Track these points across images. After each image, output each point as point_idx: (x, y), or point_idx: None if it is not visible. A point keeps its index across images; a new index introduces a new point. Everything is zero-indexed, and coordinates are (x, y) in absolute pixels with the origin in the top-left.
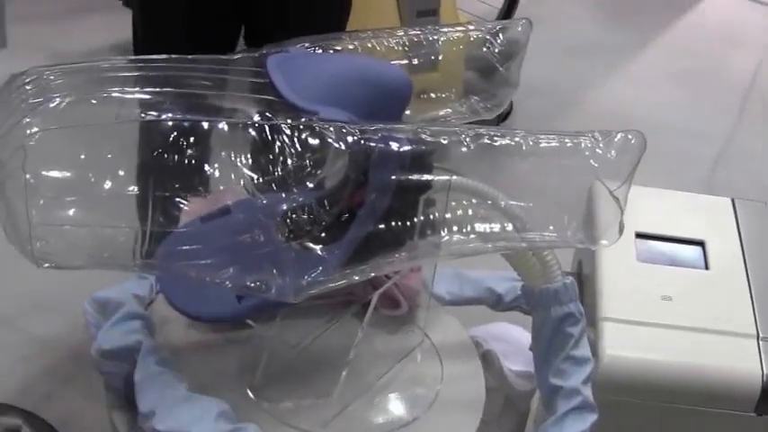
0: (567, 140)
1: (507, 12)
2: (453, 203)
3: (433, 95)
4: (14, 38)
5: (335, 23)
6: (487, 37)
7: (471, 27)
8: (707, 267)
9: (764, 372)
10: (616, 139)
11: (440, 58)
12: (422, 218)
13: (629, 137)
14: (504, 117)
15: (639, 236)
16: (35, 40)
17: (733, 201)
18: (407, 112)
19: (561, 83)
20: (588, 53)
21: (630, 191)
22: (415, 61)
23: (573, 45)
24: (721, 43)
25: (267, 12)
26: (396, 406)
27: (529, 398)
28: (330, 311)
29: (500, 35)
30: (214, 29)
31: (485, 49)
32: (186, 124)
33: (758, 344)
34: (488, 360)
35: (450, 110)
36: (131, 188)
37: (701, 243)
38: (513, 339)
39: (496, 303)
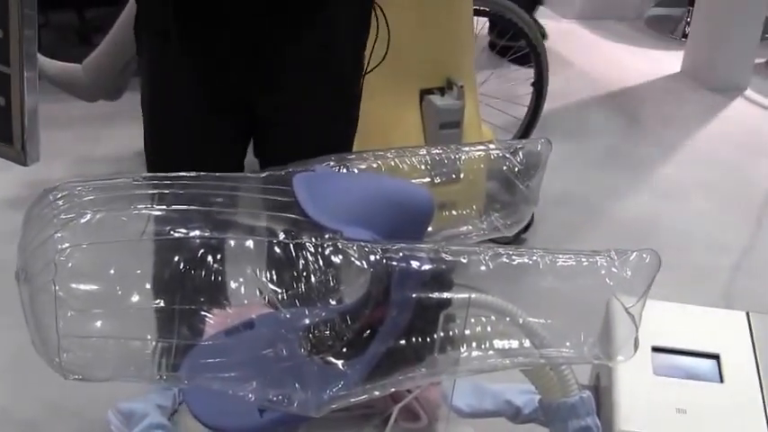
0: (583, 259)
1: (529, 124)
2: (472, 320)
3: (454, 212)
4: (43, 142)
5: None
6: (507, 155)
7: (492, 146)
8: (722, 381)
9: None
10: (631, 258)
11: (461, 175)
12: (441, 334)
13: (644, 255)
14: (524, 228)
15: (656, 350)
16: (63, 145)
17: (747, 314)
18: (429, 229)
19: (586, 193)
20: (613, 163)
21: (648, 305)
22: (437, 179)
23: (598, 155)
24: (745, 152)
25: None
26: None
27: None
28: (351, 424)
29: (520, 153)
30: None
31: (505, 167)
32: (213, 241)
33: None
34: None
35: (470, 226)
36: (158, 302)
37: (716, 357)
38: None
39: (515, 416)
